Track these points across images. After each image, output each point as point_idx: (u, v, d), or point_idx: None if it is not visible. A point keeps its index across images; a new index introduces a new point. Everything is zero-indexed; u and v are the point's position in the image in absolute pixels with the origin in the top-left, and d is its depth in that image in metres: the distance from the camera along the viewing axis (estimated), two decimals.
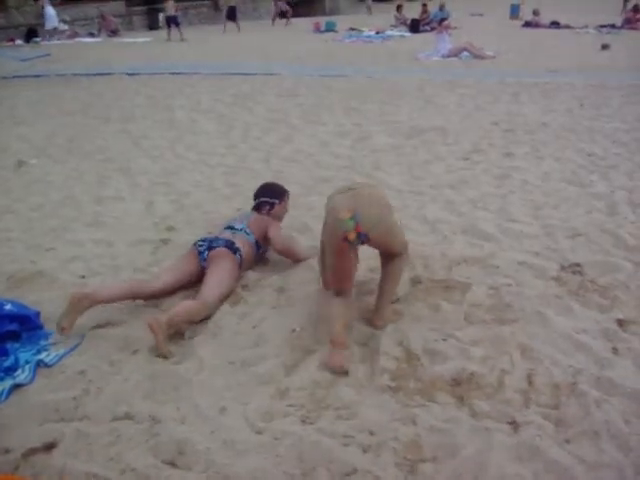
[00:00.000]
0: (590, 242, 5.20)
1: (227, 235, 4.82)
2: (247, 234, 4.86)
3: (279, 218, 5.24)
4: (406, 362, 3.69)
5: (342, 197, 3.77)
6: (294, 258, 4.96)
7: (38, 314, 4.19)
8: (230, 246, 4.65)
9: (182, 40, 25.02)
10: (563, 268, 4.76)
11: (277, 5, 32.59)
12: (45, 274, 4.93)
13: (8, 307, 4.03)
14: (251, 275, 4.78)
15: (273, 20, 32.11)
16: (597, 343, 3.81)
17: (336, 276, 3.98)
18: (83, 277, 4.91)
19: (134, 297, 4.38)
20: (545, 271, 4.71)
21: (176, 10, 26.57)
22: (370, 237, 3.76)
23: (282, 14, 32.09)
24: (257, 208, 5.21)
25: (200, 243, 4.69)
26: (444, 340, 3.87)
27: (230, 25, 28.93)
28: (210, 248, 4.62)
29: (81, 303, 4.04)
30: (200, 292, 4.31)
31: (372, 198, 3.80)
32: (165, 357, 3.82)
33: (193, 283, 4.56)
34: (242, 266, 4.73)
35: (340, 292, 3.99)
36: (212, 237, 4.77)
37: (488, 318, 4.11)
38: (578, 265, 4.78)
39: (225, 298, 4.43)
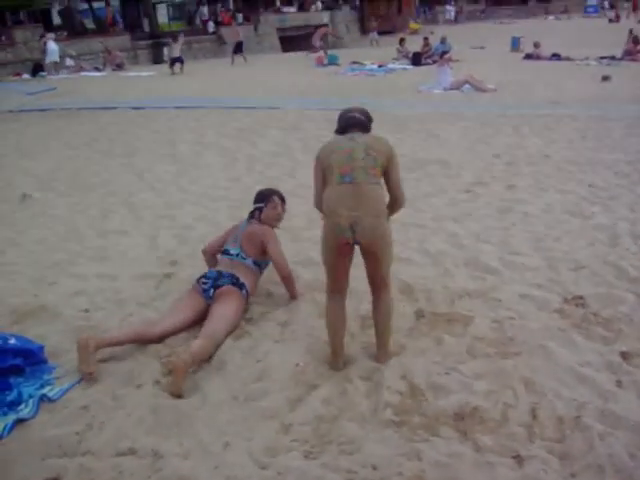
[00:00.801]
0: (593, 274, 5.21)
1: (226, 264, 4.84)
2: (243, 259, 4.86)
3: (272, 223, 5.15)
4: (410, 396, 3.69)
5: (343, 197, 3.78)
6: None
7: (42, 348, 4.20)
8: (236, 282, 4.66)
9: (181, 73, 25.39)
10: (566, 300, 4.76)
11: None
12: (49, 308, 4.95)
13: (12, 341, 4.04)
14: (255, 308, 4.79)
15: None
16: (601, 376, 3.81)
17: (332, 274, 4.00)
18: (87, 311, 4.92)
19: (139, 342, 4.33)
20: (548, 304, 4.71)
21: (181, 51, 26.94)
22: (363, 244, 3.83)
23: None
24: (251, 217, 5.22)
25: (204, 280, 4.70)
26: (447, 374, 3.87)
27: (237, 58, 29.34)
28: (216, 287, 4.63)
29: (88, 346, 4.01)
30: (205, 328, 4.30)
31: (371, 202, 3.79)
32: (179, 396, 3.80)
33: (197, 321, 4.56)
34: (248, 299, 4.76)
35: (336, 290, 4.01)
36: (215, 273, 4.76)
37: (491, 351, 4.11)
38: (581, 297, 4.78)
39: (230, 333, 4.43)
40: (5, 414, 3.63)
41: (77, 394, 3.84)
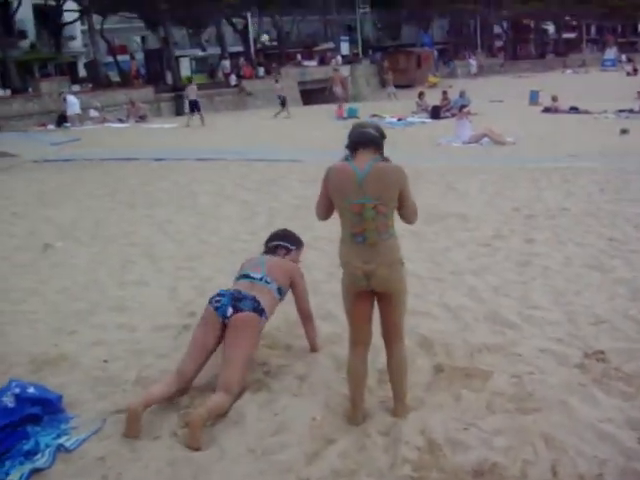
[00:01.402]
0: (613, 329, 5.16)
1: (246, 286, 4.65)
2: (267, 282, 4.74)
3: None
4: (428, 452, 3.65)
5: (358, 252, 3.84)
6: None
7: (60, 398, 4.21)
8: (257, 308, 4.47)
9: (202, 125, 25.57)
10: (586, 355, 4.72)
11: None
12: (68, 357, 4.97)
13: (31, 390, 4.05)
14: (274, 361, 4.78)
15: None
16: (622, 433, 3.75)
17: (353, 322, 4.01)
18: (105, 361, 4.93)
19: (178, 394, 4.31)
20: (568, 358, 4.67)
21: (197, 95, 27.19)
22: (378, 291, 3.88)
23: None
24: (272, 251, 5.17)
25: (217, 299, 4.50)
26: (466, 429, 3.83)
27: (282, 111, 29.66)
28: (235, 308, 4.40)
29: (138, 412, 3.97)
30: (222, 376, 4.23)
31: (385, 254, 3.84)
32: (197, 449, 3.78)
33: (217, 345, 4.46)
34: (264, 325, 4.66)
35: (358, 341, 4.01)
36: (233, 292, 4.55)
37: (510, 407, 4.07)
38: (602, 352, 4.74)
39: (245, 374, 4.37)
40: (22, 463, 3.63)
41: (94, 445, 3.84)
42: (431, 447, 3.68)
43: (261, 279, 4.74)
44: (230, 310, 4.39)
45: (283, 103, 30.39)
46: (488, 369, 4.54)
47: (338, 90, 30.72)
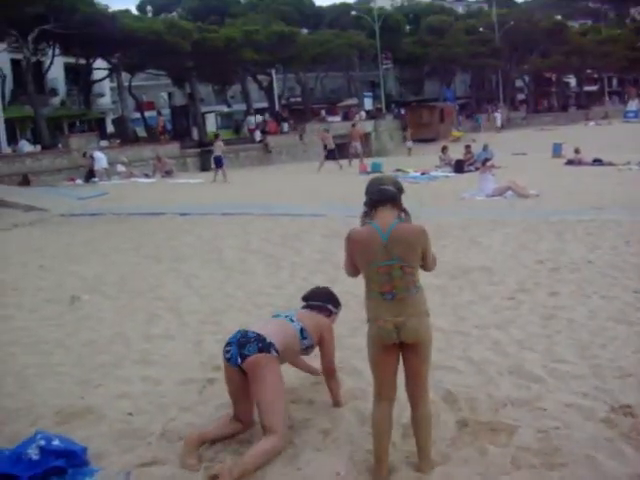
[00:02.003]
0: None
1: (260, 324, 4.75)
2: (292, 321, 4.77)
3: None
4: None
5: (387, 307, 3.89)
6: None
7: (85, 450, 4.23)
8: (262, 345, 4.42)
9: (225, 181, 25.81)
10: (613, 409, 4.67)
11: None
12: (93, 410, 5.01)
13: (56, 442, 4.09)
14: (297, 415, 4.78)
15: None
16: None
17: (379, 376, 4.03)
18: (130, 414, 4.96)
19: (233, 434, 4.46)
20: (594, 413, 4.62)
21: (223, 151, 27.46)
22: (407, 343, 3.92)
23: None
24: (310, 308, 5.17)
25: (227, 349, 4.52)
26: None
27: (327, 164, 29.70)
28: (242, 355, 4.40)
29: (193, 442, 4.22)
30: (261, 422, 4.35)
31: (414, 306, 3.92)
32: None
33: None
34: (283, 358, 4.61)
35: (383, 395, 4.02)
36: (238, 335, 4.56)
37: (536, 462, 4.03)
38: (629, 406, 4.68)
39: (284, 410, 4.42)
40: None
41: None
42: None
43: (287, 316, 4.84)
44: (239, 359, 4.42)
45: (333, 156, 30.15)
46: (513, 424, 4.50)
47: (357, 145, 30.96)
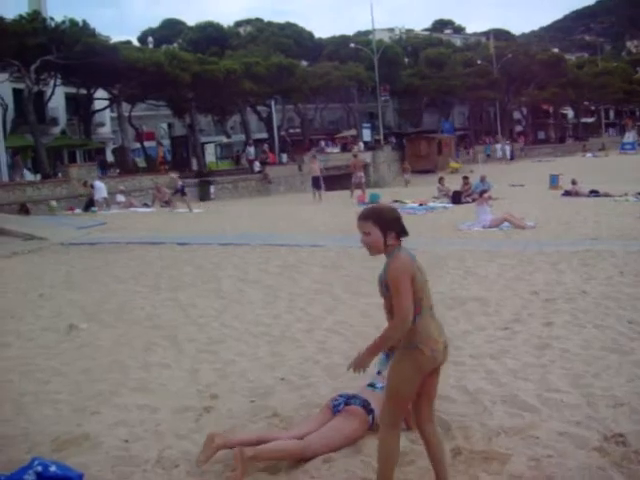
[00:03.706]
0: (633, 411, 5.14)
1: (366, 394, 5.07)
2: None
3: None
4: None
5: (437, 325, 4.01)
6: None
7: (81, 477, 4.26)
8: (366, 406, 4.88)
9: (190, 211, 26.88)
10: (606, 438, 4.70)
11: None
12: (90, 437, 5.04)
13: (53, 469, 4.12)
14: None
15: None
16: None
17: (405, 405, 4.02)
18: (126, 441, 4.99)
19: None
20: (587, 441, 4.66)
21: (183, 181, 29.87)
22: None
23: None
24: None
25: (336, 397, 4.97)
26: None
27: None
28: (347, 404, 4.88)
29: (214, 442, 4.49)
30: (309, 436, 4.58)
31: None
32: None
33: None
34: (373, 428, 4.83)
35: (400, 422, 4.05)
36: (350, 394, 5.02)
37: None
38: (621, 435, 4.72)
39: (330, 451, 4.59)
40: None
41: None
42: None
43: (382, 388, 4.94)
44: (342, 405, 4.90)
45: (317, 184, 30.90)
46: (506, 452, 4.54)
47: (361, 175, 31.13)
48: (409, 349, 3.85)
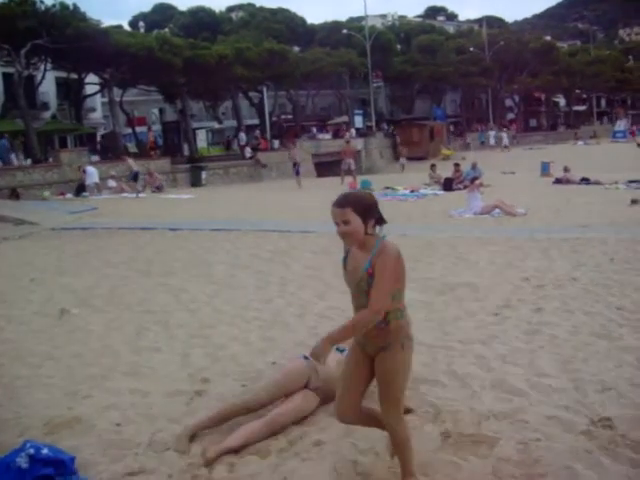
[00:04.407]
0: (620, 396, 5.19)
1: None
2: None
3: None
4: None
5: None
6: None
7: (73, 460, 4.28)
8: None
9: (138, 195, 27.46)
10: (593, 422, 4.75)
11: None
12: (82, 421, 5.07)
13: (45, 451, 4.14)
14: (296, 428, 4.87)
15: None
16: None
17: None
18: (118, 425, 5.02)
19: (232, 415, 4.85)
20: (574, 425, 4.71)
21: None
22: None
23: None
24: None
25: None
26: None
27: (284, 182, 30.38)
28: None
29: (186, 430, 4.67)
30: (274, 412, 4.79)
31: None
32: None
33: None
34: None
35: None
36: None
37: (516, 473, 4.11)
38: (608, 419, 4.76)
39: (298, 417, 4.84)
40: None
41: None
42: None
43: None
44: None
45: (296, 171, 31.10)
46: (495, 436, 4.58)
47: (351, 162, 31.09)
48: (401, 344, 3.75)
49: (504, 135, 63.53)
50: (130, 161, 30.61)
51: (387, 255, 3.61)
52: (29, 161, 32.41)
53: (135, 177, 29.54)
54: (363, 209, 3.64)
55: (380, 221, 3.73)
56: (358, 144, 48.41)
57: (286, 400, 4.94)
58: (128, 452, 4.56)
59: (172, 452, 4.54)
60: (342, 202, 3.70)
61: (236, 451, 4.49)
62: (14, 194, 25.87)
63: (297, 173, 31.06)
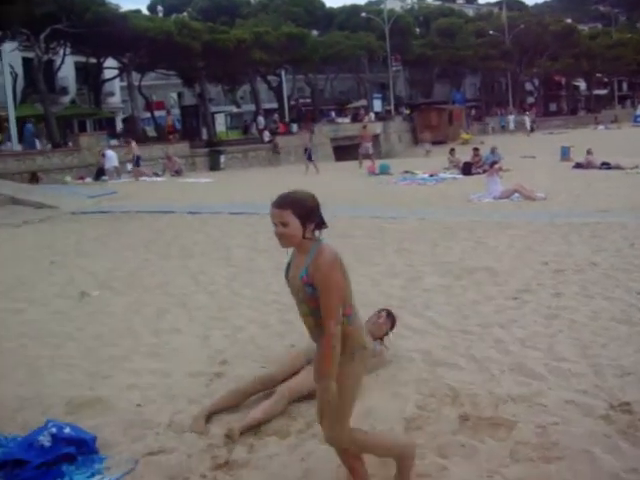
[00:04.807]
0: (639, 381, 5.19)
1: None
2: None
3: None
4: None
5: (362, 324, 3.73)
6: None
7: (94, 439, 4.35)
8: None
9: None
10: (612, 407, 4.74)
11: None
12: (103, 401, 5.14)
13: (67, 430, 4.21)
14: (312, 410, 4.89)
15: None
16: None
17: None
18: (139, 405, 5.08)
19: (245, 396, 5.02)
20: (593, 410, 4.70)
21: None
22: None
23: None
24: None
25: None
26: (489, 477, 3.90)
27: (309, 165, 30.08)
28: None
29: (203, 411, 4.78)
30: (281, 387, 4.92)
31: None
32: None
33: None
34: None
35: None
36: None
37: (534, 456, 4.11)
38: (627, 404, 4.76)
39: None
40: None
41: None
42: None
43: None
44: None
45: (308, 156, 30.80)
46: (513, 419, 4.59)
47: (369, 146, 30.97)
48: (352, 354, 3.52)
49: (527, 119, 62.79)
50: (133, 145, 30.51)
51: (321, 261, 3.44)
52: (48, 146, 32.58)
53: (137, 162, 29.45)
54: (303, 212, 3.48)
55: (320, 225, 3.55)
56: (377, 128, 48.25)
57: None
58: (148, 432, 4.62)
59: (192, 433, 4.58)
60: (281, 203, 3.52)
61: (258, 425, 4.60)
62: (34, 178, 26.03)
63: (309, 158, 30.77)
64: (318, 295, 3.41)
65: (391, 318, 5.95)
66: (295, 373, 5.11)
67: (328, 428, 3.59)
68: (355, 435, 3.67)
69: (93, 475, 4.03)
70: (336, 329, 3.37)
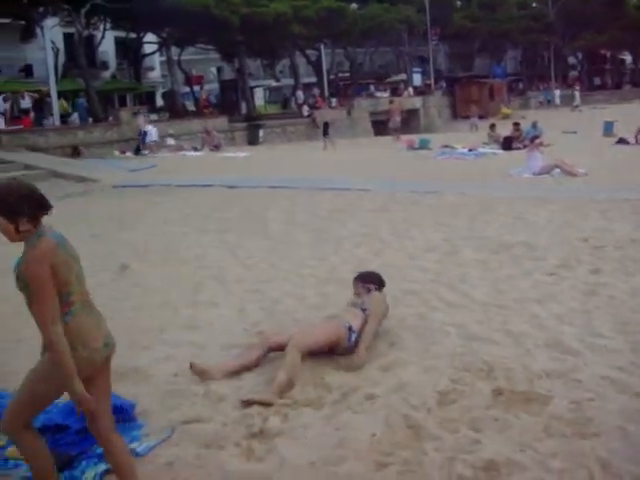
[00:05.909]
0: None
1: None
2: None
3: None
4: (483, 470, 3.73)
5: (94, 319, 3.50)
6: None
7: (134, 406, 4.45)
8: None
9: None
10: None
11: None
12: (141, 371, 5.24)
13: None
14: (349, 381, 4.96)
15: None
16: None
17: (40, 410, 3.59)
18: (175, 375, 5.17)
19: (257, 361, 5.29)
20: (629, 387, 4.67)
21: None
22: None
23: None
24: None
25: None
26: (522, 451, 3.90)
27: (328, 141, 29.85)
28: None
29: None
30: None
31: None
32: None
33: None
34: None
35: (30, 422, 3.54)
36: None
37: (568, 431, 4.11)
38: None
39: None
40: (96, 464, 3.91)
41: (163, 451, 4.06)
42: (487, 466, 3.76)
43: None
44: None
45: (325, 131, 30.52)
46: (547, 394, 4.58)
47: (397, 120, 30.76)
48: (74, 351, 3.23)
49: (577, 93, 61.32)
50: (140, 120, 29.97)
51: (26, 258, 3.18)
52: (90, 120, 32.91)
53: (143, 138, 28.44)
54: (5, 209, 3.14)
55: (38, 213, 3.23)
56: (416, 102, 47.82)
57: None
58: (184, 401, 4.71)
59: (227, 403, 4.66)
60: None
61: (291, 386, 4.78)
62: (76, 152, 26.33)
63: (325, 134, 30.50)
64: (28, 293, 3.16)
65: (361, 279, 6.16)
66: None
67: (8, 408, 3.39)
68: (24, 435, 3.41)
69: (132, 441, 4.12)
70: (52, 342, 3.13)
